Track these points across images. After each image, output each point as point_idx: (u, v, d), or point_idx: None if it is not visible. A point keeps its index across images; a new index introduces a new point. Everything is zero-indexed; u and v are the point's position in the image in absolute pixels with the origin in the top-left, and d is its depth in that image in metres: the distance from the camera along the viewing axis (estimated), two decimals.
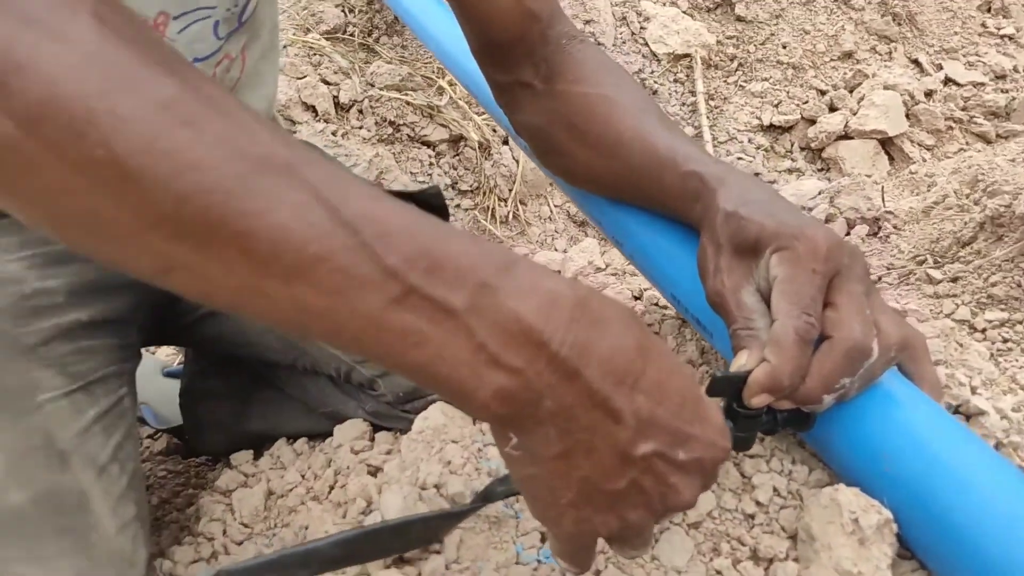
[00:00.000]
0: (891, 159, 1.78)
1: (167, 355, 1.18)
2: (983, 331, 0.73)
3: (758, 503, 0.54)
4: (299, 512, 0.67)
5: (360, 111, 1.52)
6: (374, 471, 0.63)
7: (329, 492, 0.65)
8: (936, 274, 0.82)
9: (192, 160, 0.30)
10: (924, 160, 1.74)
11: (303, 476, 0.69)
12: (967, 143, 1.84)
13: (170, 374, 1.06)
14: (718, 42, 1.85)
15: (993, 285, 0.75)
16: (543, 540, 0.53)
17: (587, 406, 0.35)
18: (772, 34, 1.89)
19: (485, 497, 0.48)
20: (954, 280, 0.81)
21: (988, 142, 1.83)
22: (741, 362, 0.50)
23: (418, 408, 0.67)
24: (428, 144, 1.55)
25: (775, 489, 0.54)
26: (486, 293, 0.33)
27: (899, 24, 1.91)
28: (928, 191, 1.53)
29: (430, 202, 0.79)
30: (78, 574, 0.50)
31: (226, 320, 0.76)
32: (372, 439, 0.71)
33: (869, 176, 1.68)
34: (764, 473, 0.55)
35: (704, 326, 0.63)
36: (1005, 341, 0.71)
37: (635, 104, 0.65)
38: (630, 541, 0.41)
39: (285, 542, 0.63)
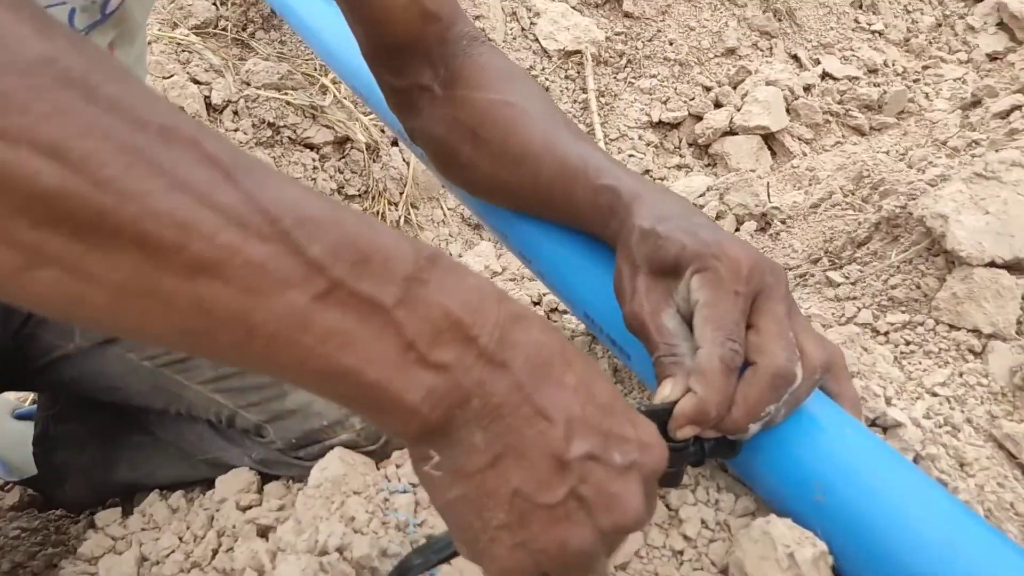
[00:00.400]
0: (773, 154, 1.82)
1: (17, 397, 1.05)
2: (886, 334, 0.73)
3: (686, 537, 0.51)
4: None
5: (235, 112, 1.41)
6: (264, 531, 0.56)
7: (212, 557, 0.58)
8: (836, 277, 0.82)
9: (78, 127, 0.25)
10: (804, 154, 1.79)
11: (180, 539, 0.62)
12: (843, 136, 1.90)
13: (21, 416, 0.94)
14: (607, 38, 1.84)
15: (893, 287, 0.75)
16: None
17: (515, 403, 0.32)
18: (659, 30, 1.90)
19: (401, 573, 0.43)
20: (854, 283, 0.81)
21: (863, 134, 1.91)
22: (665, 392, 0.47)
23: (313, 455, 0.61)
24: (311, 147, 1.46)
25: (703, 521, 0.51)
26: (415, 287, 0.30)
27: (779, 20, 1.95)
28: (810, 185, 1.57)
29: None
30: None
31: (84, 361, 0.67)
32: (260, 490, 0.64)
33: (753, 171, 1.72)
34: (691, 505, 0.52)
35: (621, 347, 0.59)
36: (908, 343, 0.71)
37: (542, 112, 0.61)
38: None
39: None
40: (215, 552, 0.58)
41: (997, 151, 0.81)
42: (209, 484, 0.68)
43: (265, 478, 0.65)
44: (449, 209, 1.56)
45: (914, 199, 0.80)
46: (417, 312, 0.30)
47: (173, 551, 0.60)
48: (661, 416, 0.46)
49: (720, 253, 0.48)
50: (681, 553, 0.50)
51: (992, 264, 0.68)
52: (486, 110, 0.60)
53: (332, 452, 0.58)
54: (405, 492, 0.56)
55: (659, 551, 0.51)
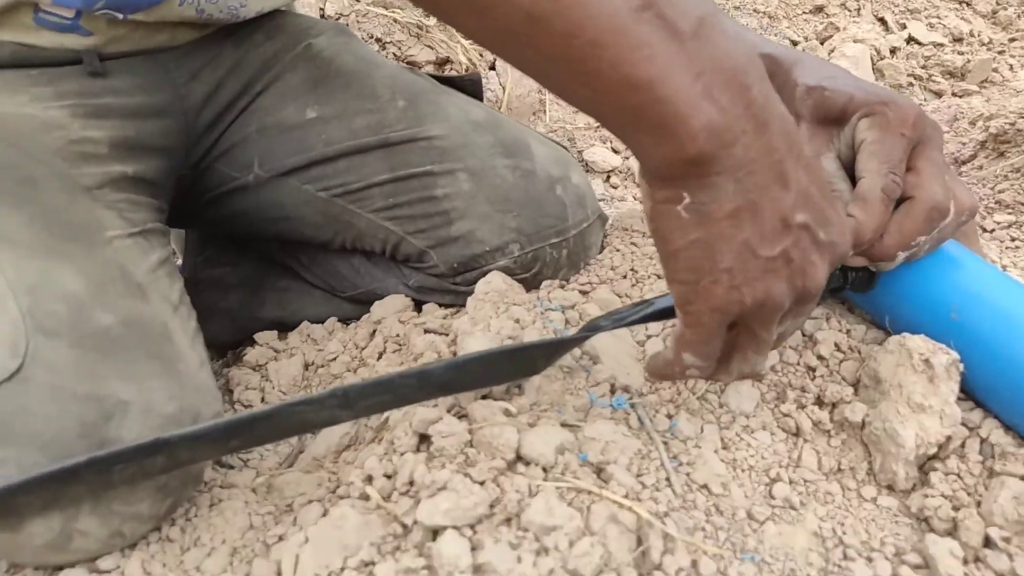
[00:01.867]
0: None
1: None
2: (992, 231, 0.77)
3: (820, 357, 0.56)
4: (346, 379, 0.66)
5: (346, 25, 1.48)
6: (435, 333, 0.63)
7: (379, 357, 0.65)
8: None
9: None
10: None
11: (345, 347, 0.68)
12: (924, 99, 1.91)
13: None
14: None
15: (1001, 192, 0.80)
16: (613, 391, 0.55)
17: (767, 163, 0.37)
18: None
19: (592, 328, 0.49)
20: None
21: (940, 100, 1.92)
22: None
23: (469, 280, 0.67)
24: (414, 64, 1.52)
25: (836, 344, 0.56)
26: (705, 27, 0.35)
27: None
28: None
29: (466, 88, 0.79)
30: (170, 397, 0.49)
31: (260, 192, 0.74)
32: (418, 312, 0.70)
33: None
34: (825, 331, 0.57)
35: None
36: (1012, 240, 0.75)
37: None
38: (756, 336, 0.43)
39: None
40: (381, 353, 0.65)
41: None
42: (357, 319, 0.75)
43: (418, 306, 0.72)
44: (540, 133, 1.61)
45: None
46: (706, 49, 0.35)
47: (339, 355, 0.67)
48: None
49: (889, 101, 0.53)
50: (814, 370, 0.56)
51: None
52: None
53: (493, 272, 0.64)
54: (558, 311, 0.62)
55: (793, 367, 0.56)
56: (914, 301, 0.54)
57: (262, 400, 0.67)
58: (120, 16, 0.63)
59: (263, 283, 0.86)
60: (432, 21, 1.54)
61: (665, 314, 0.50)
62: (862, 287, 0.55)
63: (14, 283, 0.48)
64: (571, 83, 0.36)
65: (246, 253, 0.89)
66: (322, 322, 0.78)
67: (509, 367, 0.49)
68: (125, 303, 0.52)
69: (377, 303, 0.72)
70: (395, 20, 1.50)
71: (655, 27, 0.34)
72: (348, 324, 0.75)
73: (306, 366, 0.69)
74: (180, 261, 0.96)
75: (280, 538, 0.49)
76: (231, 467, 0.59)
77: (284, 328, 0.82)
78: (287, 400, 0.45)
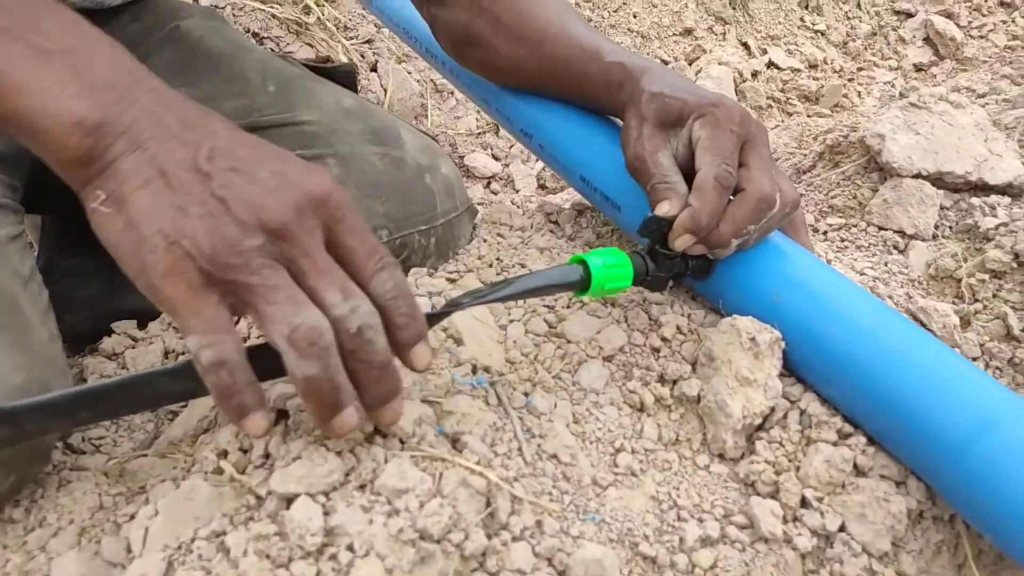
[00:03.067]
0: None
1: None
2: (824, 233, 0.85)
3: (663, 338, 0.61)
4: None
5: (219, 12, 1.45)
6: None
7: (245, 342, 0.65)
8: None
9: None
10: None
11: None
12: (782, 120, 2.06)
13: None
14: (576, 3, 1.94)
15: (833, 198, 0.88)
16: (474, 371, 0.57)
17: (163, 137, 0.41)
18: (624, 3, 2.01)
19: (453, 304, 0.51)
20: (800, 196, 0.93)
21: (791, 119, 2.07)
22: (664, 209, 0.57)
23: None
24: None
25: (678, 327, 0.61)
26: (80, 49, 0.43)
27: (734, 8, 2.10)
28: None
29: (340, 79, 0.80)
30: (17, 368, 0.47)
31: None
32: None
33: None
34: (668, 315, 0.62)
35: (612, 200, 0.69)
36: (843, 240, 0.83)
37: (558, 4, 0.71)
38: (257, 295, 0.39)
39: None
40: (246, 338, 0.65)
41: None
42: None
43: None
44: (410, 124, 1.63)
45: (855, 129, 0.93)
46: (83, 64, 0.41)
47: None
48: (663, 226, 0.56)
49: (718, 103, 0.59)
50: (658, 350, 0.60)
51: (918, 176, 0.81)
52: None
53: None
54: (425, 296, 0.64)
55: (640, 348, 0.60)
56: (743, 286, 0.59)
57: None
58: None
59: (122, 272, 0.84)
60: (312, 18, 1.53)
61: (525, 293, 0.53)
62: (701, 274, 0.60)
63: None
64: None
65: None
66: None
67: None
68: None
69: None
70: (273, 16, 1.49)
71: (16, 46, 0.39)
72: None
73: (166, 354, 0.68)
74: (35, 251, 0.92)
75: (131, 517, 0.49)
76: (82, 451, 0.57)
77: (144, 318, 0.80)
78: (143, 371, 0.44)
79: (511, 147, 1.69)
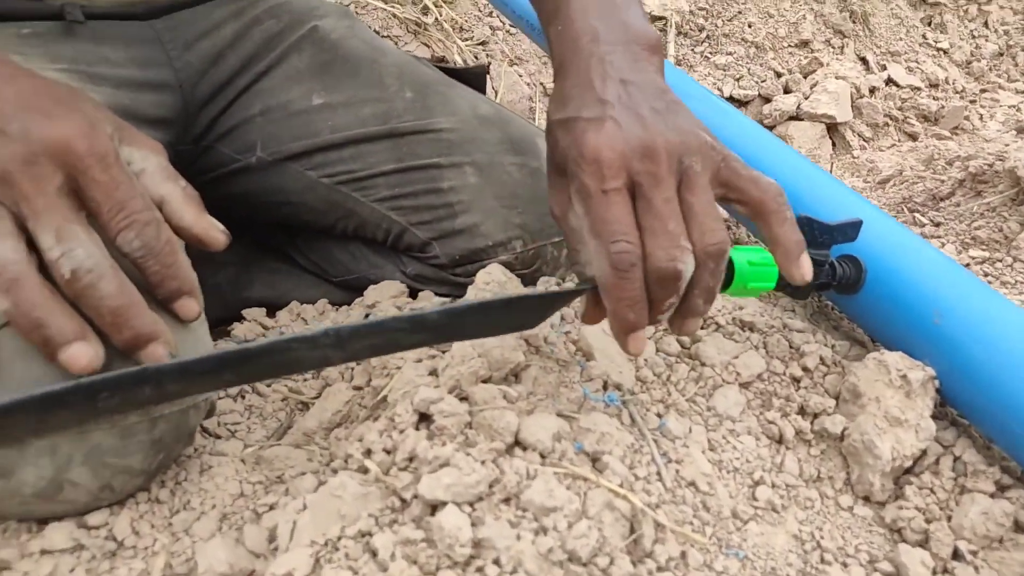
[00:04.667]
0: (833, 144, 1.89)
1: None
2: (967, 266, 0.81)
3: (805, 368, 0.58)
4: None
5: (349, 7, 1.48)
6: None
7: None
8: (921, 219, 0.90)
9: None
10: (863, 149, 1.86)
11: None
12: (899, 140, 1.98)
13: None
14: (691, 11, 1.91)
15: (977, 229, 0.83)
16: (605, 387, 0.56)
17: None
18: (739, 12, 1.97)
19: (587, 281, 0.48)
20: (937, 225, 0.89)
21: (916, 141, 1.98)
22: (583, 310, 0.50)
23: (469, 272, 0.68)
24: None
25: (821, 358, 0.59)
26: None
27: (854, 22, 2.02)
28: (869, 174, 1.64)
29: (470, 81, 0.80)
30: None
31: (263, 175, 0.74)
32: (413, 299, 0.71)
33: (813, 156, 1.79)
34: (811, 344, 0.59)
35: None
36: (986, 276, 0.79)
37: None
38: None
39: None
40: None
41: None
42: (348, 303, 0.75)
43: (413, 294, 0.73)
44: None
45: (1002, 159, 0.88)
46: None
47: None
48: (813, 230, 0.53)
49: (579, 156, 0.45)
50: (799, 380, 0.58)
51: None
52: None
53: (494, 265, 0.65)
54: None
55: (779, 377, 0.58)
56: (899, 305, 0.56)
57: None
58: None
59: (254, 263, 0.86)
60: (430, 19, 1.55)
61: None
62: (849, 289, 0.56)
63: None
64: None
65: (239, 232, 0.89)
66: (312, 303, 0.78)
67: (504, 318, 0.48)
68: None
69: (372, 287, 0.73)
70: (394, 15, 1.51)
71: None
72: (339, 308, 0.75)
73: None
74: None
75: (271, 507, 0.50)
76: (219, 436, 0.59)
77: (272, 308, 0.82)
78: (281, 336, 0.44)
79: None
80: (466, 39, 1.57)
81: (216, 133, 0.75)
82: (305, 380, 0.66)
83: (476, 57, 1.58)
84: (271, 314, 0.78)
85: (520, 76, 1.62)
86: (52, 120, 0.42)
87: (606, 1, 0.51)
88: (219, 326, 0.84)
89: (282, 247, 0.84)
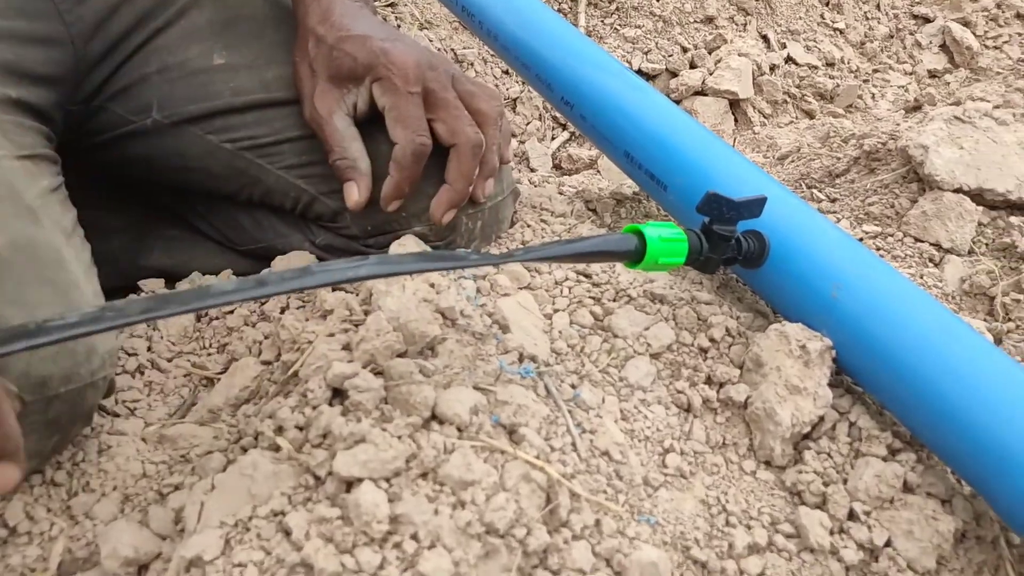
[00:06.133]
0: (735, 120, 1.95)
1: None
2: (860, 240, 0.85)
3: (712, 339, 0.60)
4: (245, 333, 0.64)
5: None
6: (345, 290, 0.62)
7: (282, 312, 0.64)
8: (818, 195, 0.94)
9: None
10: (763, 125, 1.93)
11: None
12: (796, 117, 2.05)
13: None
14: None
15: (870, 205, 0.87)
16: (521, 360, 0.56)
17: None
18: None
19: (507, 255, 0.49)
20: (833, 201, 0.93)
21: (813, 119, 2.07)
22: (353, 198, 0.62)
23: (381, 244, 0.67)
24: None
25: (727, 329, 0.61)
26: None
27: (757, 0, 2.08)
28: (768, 150, 1.70)
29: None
30: None
31: (159, 138, 0.69)
32: None
33: (717, 131, 1.84)
34: (718, 315, 0.61)
35: (659, 179, 0.68)
36: (878, 250, 0.83)
37: None
38: None
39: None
40: (284, 308, 0.64)
41: (973, 100, 0.94)
42: (252, 273, 0.73)
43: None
44: None
45: (894, 138, 0.92)
46: None
47: (236, 307, 0.65)
48: (721, 206, 0.54)
49: (389, 63, 0.60)
50: (706, 351, 0.60)
51: (959, 190, 0.81)
52: None
53: (407, 235, 0.64)
54: (470, 278, 0.63)
55: (688, 347, 0.60)
56: (799, 278, 0.58)
57: (148, 349, 0.64)
58: None
59: (151, 230, 0.82)
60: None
61: (577, 256, 0.50)
62: (753, 263, 0.58)
63: None
64: None
65: (132, 196, 0.84)
66: (215, 274, 0.75)
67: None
68: (15, 224, 0.48)
69: (279, 258, 0.70)
70: None
71: None
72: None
73: (198, 317, 0.67)
74: None
75: (176, 487, 0.48)
76: (117, 415, 0.56)
77: (171, 278, 0.78)
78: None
79: (527, 124, 1.67)
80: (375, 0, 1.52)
81: (109, 92, 0.71)
82: (209, 355, 0.63)
83: (385, 19, 1.54)
84: (170, 284, 0.74)
85: (431, 41, 1.59)
86: None
87: None
88: (113, 297, 0.80)
89: (182, 213, 0.80)
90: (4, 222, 0.47)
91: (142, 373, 0.62)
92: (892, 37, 2.32)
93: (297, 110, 0.67)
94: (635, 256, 0.52)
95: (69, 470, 0.48)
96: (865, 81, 2.17)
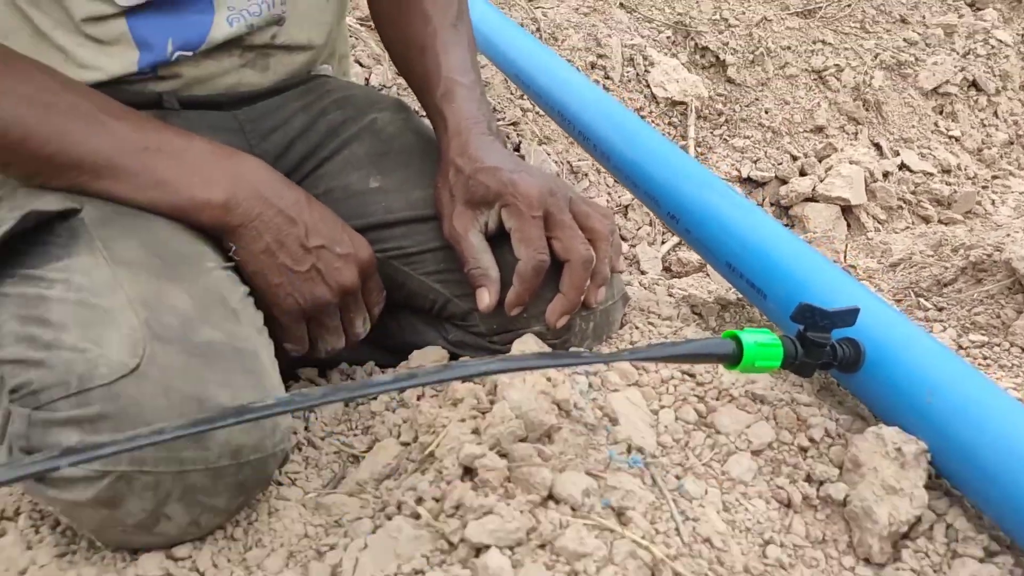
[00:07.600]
0: (848, 226, 1.97)
1: None
2: (966, 349, 0.87)
3: (811, 440, 0.64)
4: (386, 417, 0.73)
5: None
6: (474, 382, 0.70)
7: (418, 399, 0.72)
8: (925, 303, 0.96)
9: None
10: (878, 230, 1.94)
11: None
12: (912, 223, 2.05)
13: None
14: (710, 97, 2.02)
15: (976, 315, 0.89)
16: (629, 451, 0.62)
17: (271, 215, 0.66)
18: (757, 99, 2.07)
19: (615, 356, 0.57)
20: (940, 310, 0.95)
21: (929, 224, 2.05)
22: (484, 302, 0.72)
23: (506, 340, 0.75)
24: None
25: (826, 430, 0.65)
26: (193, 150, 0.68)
27: (867, 110, 2.12)
28: (882, 256, 1.71)
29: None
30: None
31: None
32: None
33: (828, 237, 1.87)
34: (817, 417, 0.65)
35: (759, 288, 0.74)
36: (985, 359, 0.85)
37: (449, 20, 0.85)
38: (325, 324, 0.71)
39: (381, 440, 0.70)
40: (420, 396, 0.73)
41: None
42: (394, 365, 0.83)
43: (453, 358, 0.80)
44: None
45: (999, 249, 0.95)
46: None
47: (379, 395, 0.75)
48: (815, 315, 0.60)
49: (515, 192, 0.70)
50: (806, 450, 0.64)
51: None
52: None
53: (527, 335, 0.72)
54: (583, 374, 0.70)
55: (788, 446, 0.64)
56: (893, 384, 0.62)
57: (305, 429, 0.74)
58: (190, 53, 0.73)
59: None
60: None
61: (679, 358, 0.59)
62: (849, 368, 0.63)
63: (133, 298, 0.56)
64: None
65: None
66: (360, 364, 0.86)
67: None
68: (225, 324, 0.59)
69: (416, 352, 0.80)
70: None
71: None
72: (385, 370, 0.83)
73: (346, 403, 0.76)
74: None
75: (331, 547, 0.56)
76: (281, 483, 0.65)
77: (322, 366, 0.89)
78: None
79: (638, 229, 1.75)
80: (499, 120, 1.67)
81: None
82: (355, 435, 0.72)
83: (508, 137, 1.68)
84: (322, 374, 0.85)
85: (548, 155, 1.72)
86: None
87: (478, 95, 0.81)
88: None
89: None
90: (216, 320, 0.59)
91: (300, 449, 0.71)
92: (1012, 143, 2.30)
93: (437, 226, 0.78)
94: (733, 359, 0.58)
95: (245, 528, 0.57)
96: (984, 187, 2.14)
